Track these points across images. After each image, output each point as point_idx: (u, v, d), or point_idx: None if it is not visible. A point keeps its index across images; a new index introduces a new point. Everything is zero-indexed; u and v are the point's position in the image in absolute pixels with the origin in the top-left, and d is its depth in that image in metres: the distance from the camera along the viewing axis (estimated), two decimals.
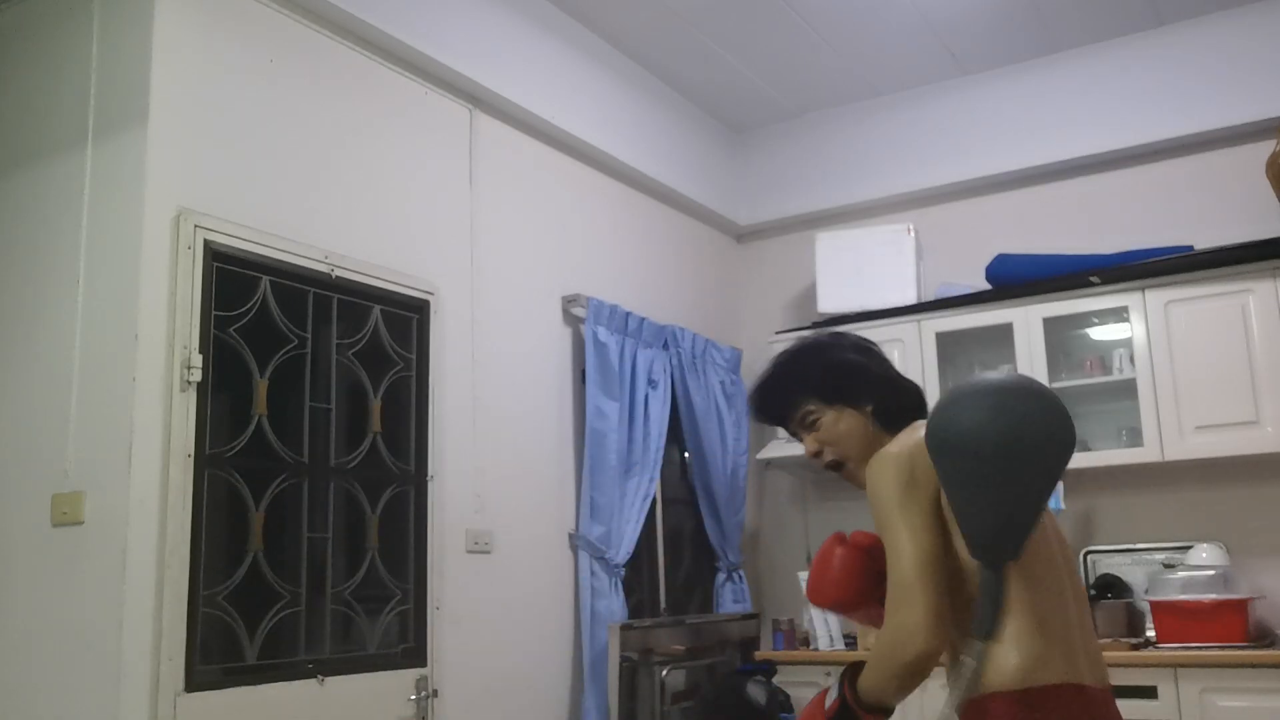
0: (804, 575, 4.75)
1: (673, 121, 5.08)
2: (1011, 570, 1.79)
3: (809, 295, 5.22)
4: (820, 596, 2.04)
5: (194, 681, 2.74)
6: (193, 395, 2.83)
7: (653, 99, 4.95)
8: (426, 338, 3.60)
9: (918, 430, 1.91)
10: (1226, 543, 4.24)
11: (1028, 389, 1.81)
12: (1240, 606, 3.87)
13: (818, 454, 2.07)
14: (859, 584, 1.98)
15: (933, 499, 1.84)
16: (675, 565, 4.84)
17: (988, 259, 4.69)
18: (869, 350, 2.10)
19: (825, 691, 1.91)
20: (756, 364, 5.27)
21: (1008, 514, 1.75)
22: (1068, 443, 1.78)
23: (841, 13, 4.48)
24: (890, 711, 1.85)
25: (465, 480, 3.69)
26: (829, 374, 2.05)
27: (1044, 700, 1.76)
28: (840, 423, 2.03)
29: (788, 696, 4.33)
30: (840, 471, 2.07)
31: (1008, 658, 1.79)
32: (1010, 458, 1.73)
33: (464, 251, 3.84)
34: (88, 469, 2.78)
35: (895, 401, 2.03)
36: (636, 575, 4.56)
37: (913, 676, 1.78)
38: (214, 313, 2.94)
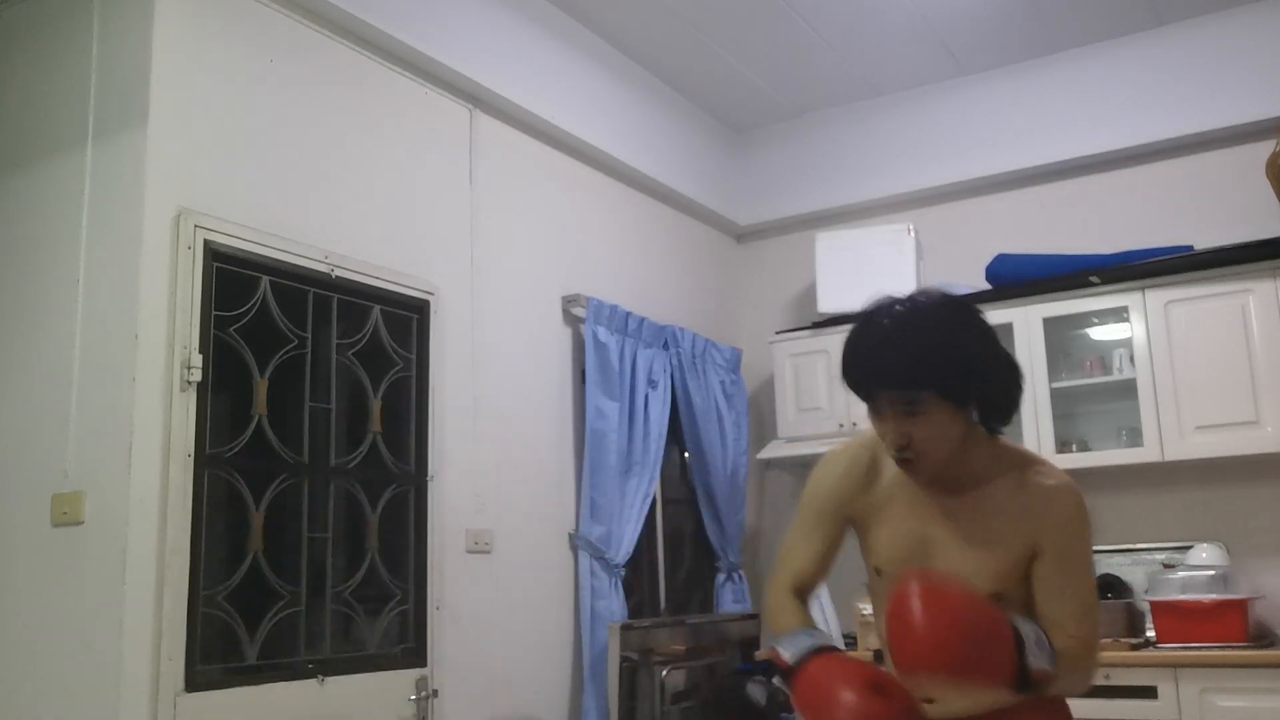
0: None
1: (673, 121, 5.08)
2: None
3: (809, 295, 5.22)
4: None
5: (194, 681, 2.74)
6: (193, 395, 2.83)
7: (653, 99, 4.95)
8: (426, 338, 3.60)
9: (1043, 460, 1.89)
10: (1226, 543, 4.24)
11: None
12: (1240, 606, 3.87)
13: (904, 445, 1.79)
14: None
15: None
16: (675, 565, 4.84)
17: (988, 259, 4.69)
18: (1003, 356, 1.85)
19: (1018, 632, 1.67)
20: (756, 364, 5.30)
21: None
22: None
23: (841, 13, 4.48)
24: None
25: (465, 480, 3.69)
26: (968, 370, 1.76)
27: (1062, 707, 1.90)
28: (949, 423, 1.78)
29: (788, 696, 4.32)
30: (910, 466, 1.82)
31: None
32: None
33: (464, 251, 3.84)
34: (88, 469, 2.78)
35: (1000, 411, 1.84)
36: (636, 575, 4.56)
37: (1072, 687, 1.83)
38: (214, 313, 2.94)
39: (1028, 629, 1.69)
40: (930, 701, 1.79)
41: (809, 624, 1.93)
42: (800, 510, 1.99)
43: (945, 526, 1.87)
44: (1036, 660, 1.66)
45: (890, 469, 1.92)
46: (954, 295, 1.88)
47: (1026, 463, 1.87)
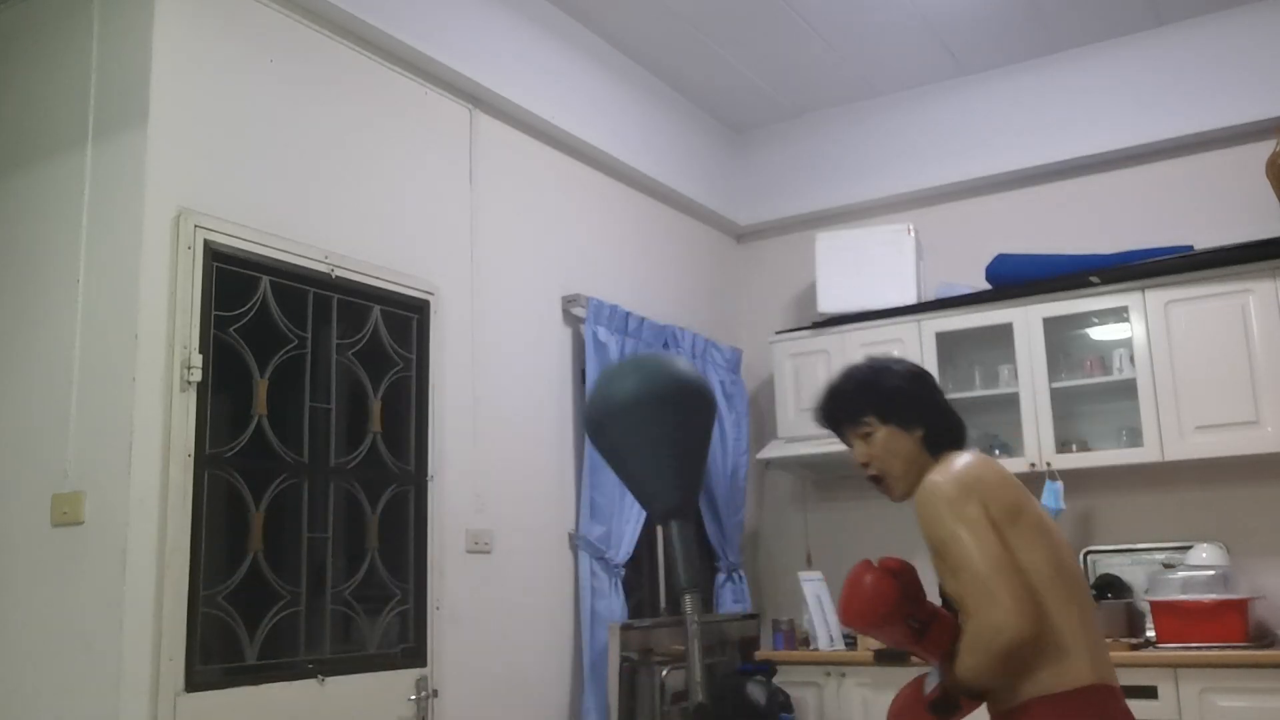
0: (804, 575, 4.76)
1: (673, 121, 5.08)
2: (1038, 580, 2.01)
3: (809, 295, 5.22)
4: (853, 619, 2.16)
5: (194, 681, 2.74)
6: (193, 395, 2.83)
7: (653, 99, 4.95)
8: (426, 338, 3.60)
9: (960, 457, 2.16)
10: (1226, 543, 4.24)
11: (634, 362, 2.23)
12: (1240, 606, 3.87)
13: (866, 464, 2.27)
14: (889, 607, 2.10)
15: (988, 514, 2.03)
16: (675, 565, 4.83)
17: (988, 259, 4.69)
18: (924, 378, 2.32)
19: (922, 679, 2.08)
20: (756, 364, 5.30)
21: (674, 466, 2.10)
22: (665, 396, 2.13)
23: (841, 13, 4.48)
24: (985, 694, 2.05)
25: (465, 480, 3.69)
26: (892, 396, 2.25)
27: (1077, 702, 1.97)
28: (892, 440, 2.23)
29: (788, 696, 4.32)
30: (880, 484, 2.27)
31: (1042, 665, 1.99)
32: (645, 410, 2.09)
33: (464, 251, 3.84)
34: (88, 469, 2.78)
35: (944, 431, 2.24)
36: (636, 575, 4.56)
37: (1008, 662, 1.95)
38: (214, 313, 2.94)
39: (930, 674, 2.09)
40: None
41: None
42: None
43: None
44: (929, 690, 2.06)
45: None
46: (872, 357, 2.42)
47: (931, 469, 2.18)
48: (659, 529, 4.70)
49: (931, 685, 2.05)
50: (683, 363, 2.21)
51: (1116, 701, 2.04)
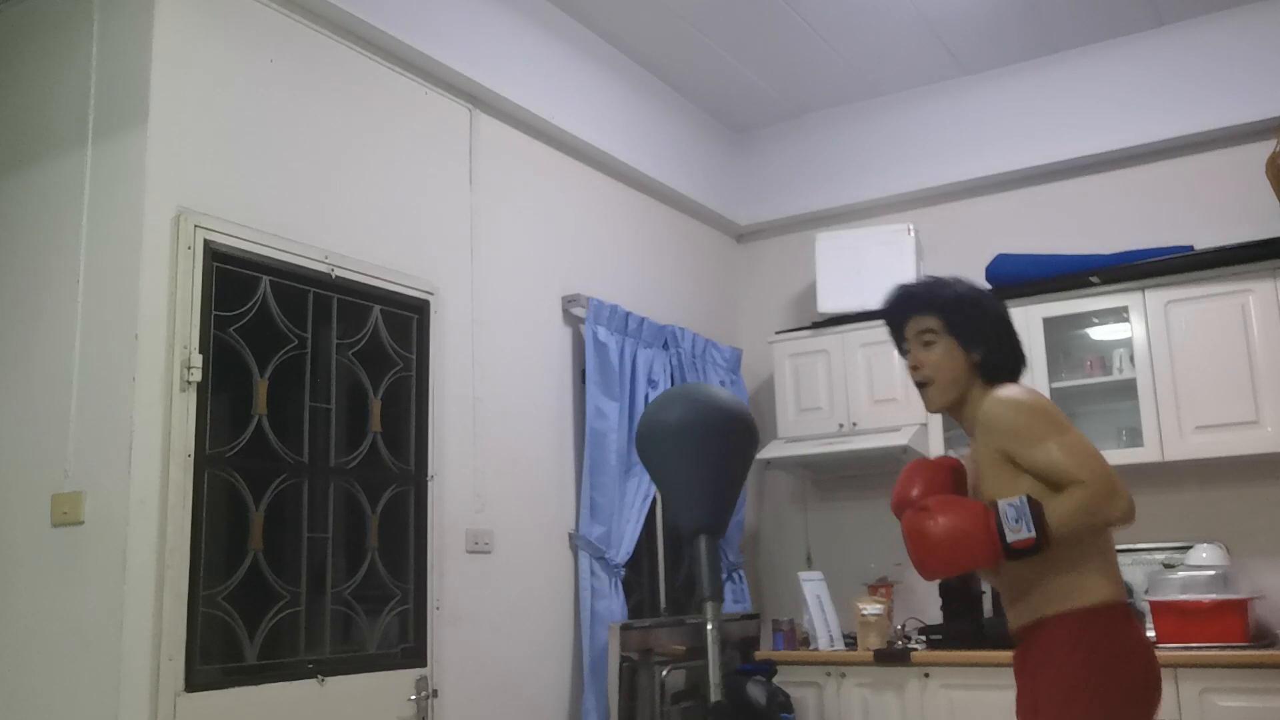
0: (804, 575, 4.76)
1: (673, 121, 5.08)
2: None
3: (809, 295, 5.22)
4: (911, 485, 2.33)
5: (194, 681, 2.74)
6: (193, 395, 2.83)
7: (653, 99, 4.95)
8: (426, 338, 3.60)
9: (1015, 385, 2.30)
10: (1226, 543, 4.24)
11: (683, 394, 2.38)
12: (1240, 606, 3.87)
13: (917, 368, 2.39)
14: (947, 479, 2.34)
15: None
16: (675, 565, 4.84)
17: (988, 259, 4.69)
18: (1006, 315, 2.41)
19: (987, 511, 2.14)
20: (756, 364, 5.30)
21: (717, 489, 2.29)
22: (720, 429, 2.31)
23: (841, 13, 4.48)
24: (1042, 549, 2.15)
25: (465, 480, 3.69)
26: (965, 309, 2.35)
27: (1101, 618, 2.16)
28: (949, 353, 2.34)
29: (788, 696, 4.32)
30: (924, 390, 2.39)
31: (1066, 582, 2.16)
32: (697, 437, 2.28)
33: (464, 251, 3.84)
34: (88, 469, 2.78)
35: (1000, 361, 2.34)
36: (636, 575, 4.56)
37: (1092, 528, 2.15)
38: (214, 313, 2.94)
39: (1008, 508, 2.11)
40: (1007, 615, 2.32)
41: None
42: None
43: (971, 468, 2.37)
44: (1015, 534, 2.09)
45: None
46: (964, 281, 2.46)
47: (991, 391, 2.29)
48: (659, 530, 4.69)
49: (1025, 535, 2.09)
50: (728, 395, 2.42)
51: (1131, 618, 2.21)
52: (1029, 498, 2.11)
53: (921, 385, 2.39)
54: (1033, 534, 2.08)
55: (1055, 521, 2.10)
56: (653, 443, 2.32)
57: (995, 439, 2.22)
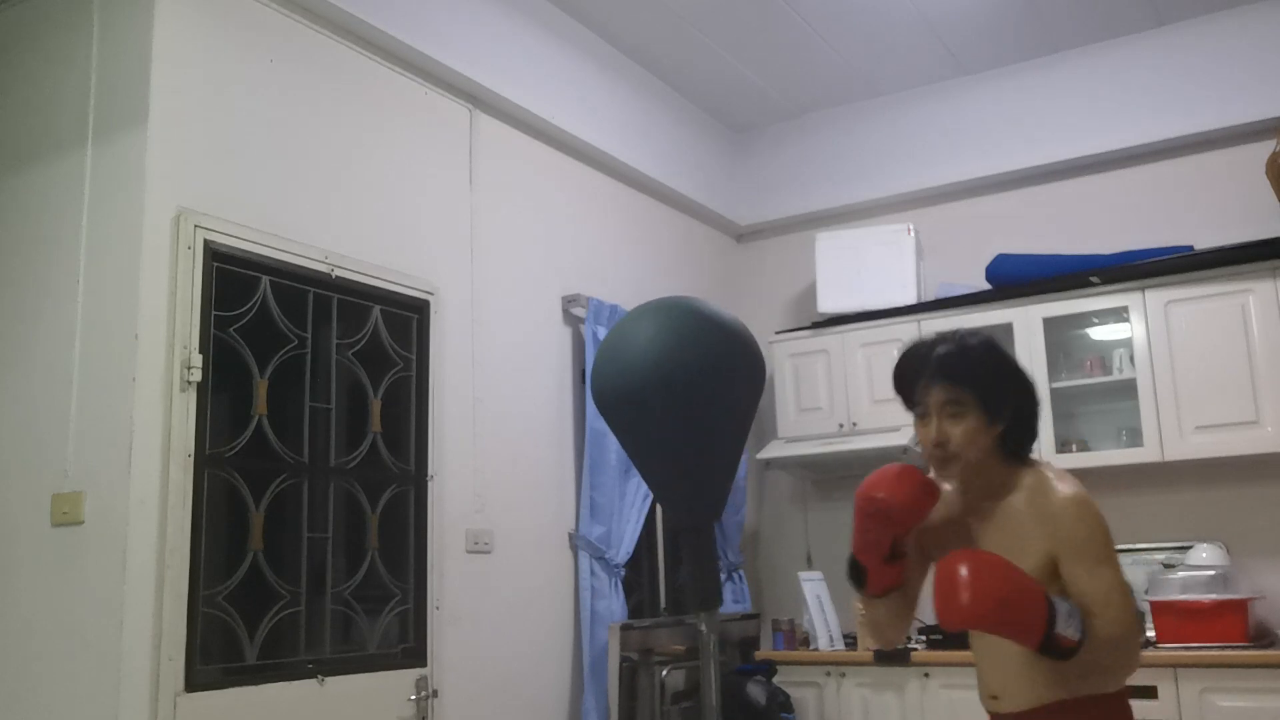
0: (804, 575, 4.76)
1: (673, 121, 5.08)
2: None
3: (809, 295, 5.22)
4: (888, 490, 2.06)
5: (194, 681, 2.74)
6: (193, 395, 2.83)
7: (653, 99, 4.95)
8: (426, 338, 3.60)
9: (1054, 469, 2.12)
10: (1226, 543, 4.24)
11: (680, 309, 1.54)
12: (1240, 606, 3.87)
13: (942, 443, 2.10)
14: (922, 488, 2.09)
15: None
16: (675, 565, 4.84)
17: (988, 259, 4.69)
18: (1032, 387, 2.19)
19: (1052, 604, 1.91)
20: None
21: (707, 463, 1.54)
22: (739, 369, 1.53)
23: (841, 13, 4.48)
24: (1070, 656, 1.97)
25: (465, 480, 3.69)
26: (1004, 385, 2.13)
27: (1121, 703, 2.06)
28: (980, 429, 2.10)
29: (788, 696, 4.33)
30: (946, 465, 2.12)
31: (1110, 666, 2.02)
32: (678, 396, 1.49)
33: (464, 251, 3.84)
34: (88, 469, 2.78)
35: (1023, 436, 2.16)
36: (636, 575, 4.56)
37: (1110, 668, 2.01)
38: (214, 313, 2.94)
39: (1063, 604, 1.90)
40: (995, 698, 2.12)
41: None
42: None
43: (981, 539, 2.14)
44: (1065, 629, 1.88)
45: (941, 502, 2.18)
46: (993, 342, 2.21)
47: (1039, 473, 2.11)
48: (659, 530, 4.69)
49: (1069, 622, 1.91)
50: (716, 311, 1.61)
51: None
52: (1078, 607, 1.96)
53: (946, 460, 2.11)
54: (1080, 636, 1.91)
55: (1094, 643, 1.92)
56: (621, 396, 1.55)
57: (1049, 538, 2.02)
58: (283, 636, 3.04)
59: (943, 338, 2.17)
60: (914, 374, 2.16)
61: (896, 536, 2.08)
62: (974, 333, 2.19)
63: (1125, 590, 2.01)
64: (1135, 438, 4.30)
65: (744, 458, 4.99)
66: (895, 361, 2.22)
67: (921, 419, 2.14)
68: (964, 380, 2.10)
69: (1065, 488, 2.06)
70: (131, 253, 2.81)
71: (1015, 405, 2.13)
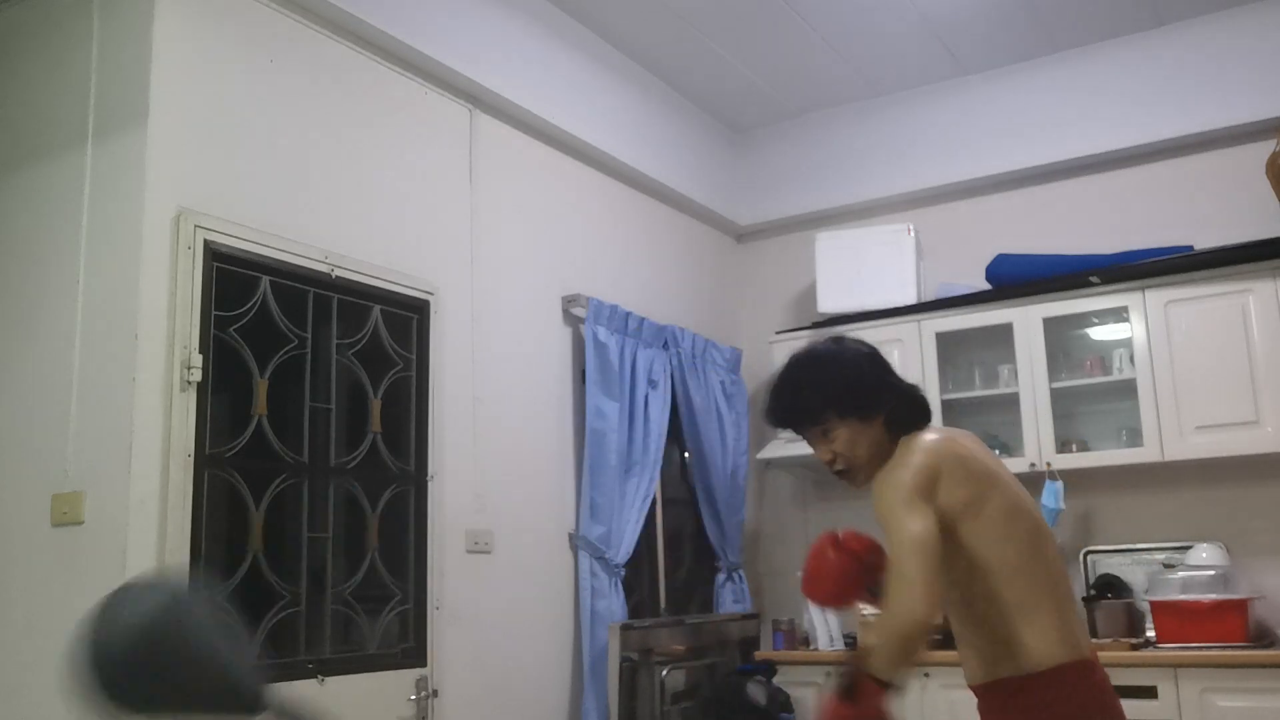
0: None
1: (673, 121, 5.08)
2: (1000, 568, 2.04)
3: (809, 295, 5.22)
4: (813, 593, 2.32)
5: None
6: (193, 395, 2.83)
7: (653, 99, 4.95)
8: (426, 338, 3.60)
9: (920, 442, 2.11)
10: (1226, 543, 4.24)
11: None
12: (1240, 606, 3.87)
13: (831, 461, 2.20)
14: (848, 583, 2.22)
15: (940, 504, 2.03)
16: (675, 565, 4.84)
17: (988, 259, 4.69)
18: (875, 359, 2.22)
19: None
20: (756, 364, 5.29)
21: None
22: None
23: (841, 13, 4.48)
24: (895, 686, 1.92)
25: (465, 480, 3.69)
26: (846, 390, 2.15)
27: (1058, 678, 1.99)
28: (855, 434, 2.15)
29: (788, 696, 4.33)
30: (847, 476, 2.21)
31: (1022, 646, 2.00)
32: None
33: (464, 251, 3.84)
34: (88, 469, 2.78)
35: (903, 411, 2.18)
36: (636, 575, 4.56)
37: (911, 643, 1.88)
38: (214, 313, 2.94)
39: (845, 675, 1.95)
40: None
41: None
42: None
43: None
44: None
45: None
46: (814, 344, 2.28)
47: (901, 445, 2.14)
48: (659, 530, 4.69)
49: (842, 683, 1.94)
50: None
51: (1087, 678, 2.04)
52: (856, 662, 1.94)
53: (844, 474, 2.20)
54: (844, 673, 1.93)
55: (880, 665, 1.88)
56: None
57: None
58: (283, 636, 3.04)
59: (771, 389, 2.24)
60: (780, 425, 2.27)
61: (866, 589, 2.24)
62: (785, 367, 2.23)
63: (904, 558, 1.91)
64: (1135, 438, 4.30)
65: (744, 458, 5.02)
66: None
67: (809, 444, 2.24)
68: (795, 424, 2.20)
69: (887, 466, 2.10)
70: (131, 253, 2.81)
71: (868, 393, 2.14)
